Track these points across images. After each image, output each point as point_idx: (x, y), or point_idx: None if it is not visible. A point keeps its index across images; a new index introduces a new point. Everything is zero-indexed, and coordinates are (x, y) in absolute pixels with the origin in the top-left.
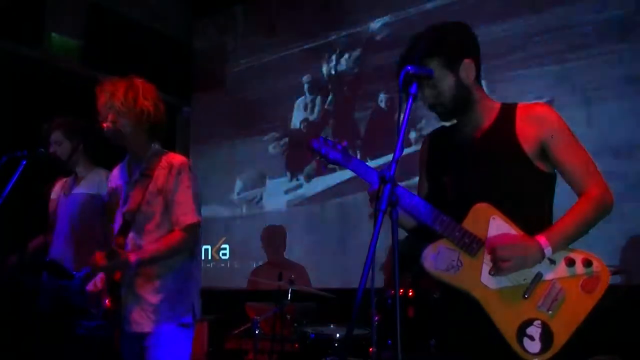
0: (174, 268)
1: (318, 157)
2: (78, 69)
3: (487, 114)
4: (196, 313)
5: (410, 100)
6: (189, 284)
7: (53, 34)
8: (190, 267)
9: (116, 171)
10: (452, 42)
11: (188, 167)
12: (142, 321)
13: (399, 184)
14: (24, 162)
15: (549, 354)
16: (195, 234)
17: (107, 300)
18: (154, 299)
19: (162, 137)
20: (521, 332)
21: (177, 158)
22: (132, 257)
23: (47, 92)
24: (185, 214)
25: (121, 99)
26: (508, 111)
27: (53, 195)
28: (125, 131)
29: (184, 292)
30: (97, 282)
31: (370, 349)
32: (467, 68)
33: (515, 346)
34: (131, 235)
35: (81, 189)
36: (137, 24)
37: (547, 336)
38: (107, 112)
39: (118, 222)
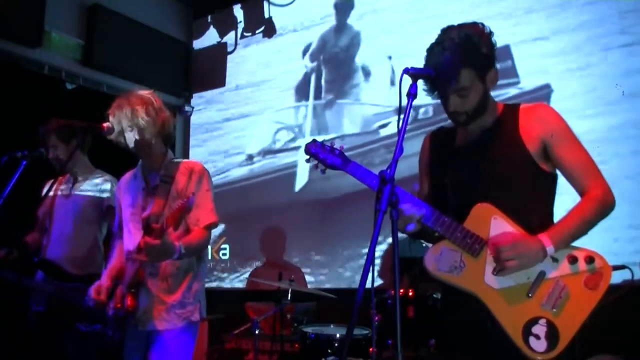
0: (185, 269)
1: (316, 162)
2: (78, 69)
3: (491, 115)
4: (202, 312)
5: (410, 101)
6: (197, 284)
7: (53, 34)
8: (199, 267)
9: (126, 180)
10: (485, 53)
11: (207, 173)
12: (155, 320)
13: None
14: (24, 162)
15: (556, 352)
16: (210, 234)
17: (128, 299)
18: (167, 298)
19: (172, 142)
20: (527, 331)
21: (196, 165)
22: (176, 242)
23: (47, 92)
24: (206, 215)
25: (143, 116)
26: (511, 111)
27: (49, 194)
28: (151, 144)
29: (193, 292)
30: (102, 292)
31: (370, 349)
32: (492, 76)
33: (522, 345)
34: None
35: (83, 191)
36: (137, 23)
37: (552, 334)
38: (127, 127)
39: (131, 228)
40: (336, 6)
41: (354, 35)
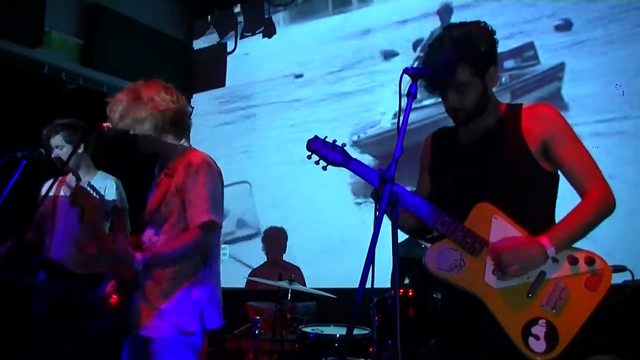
0: (182, 273)
1: (317, 158)
2: (78, 69)
3: (494, 114)
4: (207, 323)
5: (409, 100)
6: (199, 291)
7: (53, 34)
8: (202, 273)
9: None
10: (484, 50)
11: (207, 166)
12: (147, 325)
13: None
14: (24, 162)
15: (555, 352)
16: (207, 234)
17: (114, 296)
18: (160, 303)
19: (186, 130)
20: (526, 332)
21: (197, 156)
22: (139, 255)
23: (47, 92)
24: (199, 213)
25: (143, 106)
26: (514, 111)
27: (50, 194)
28: (152, 134)
29: (192, 299)
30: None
31: (370, 349)
32: (492, 75)
33: (521, 346)
34: (148, 235)
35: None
36: (137, 23)
37: (552, 335)
38: (129, 124)
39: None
40: (439, 12)
41: None
